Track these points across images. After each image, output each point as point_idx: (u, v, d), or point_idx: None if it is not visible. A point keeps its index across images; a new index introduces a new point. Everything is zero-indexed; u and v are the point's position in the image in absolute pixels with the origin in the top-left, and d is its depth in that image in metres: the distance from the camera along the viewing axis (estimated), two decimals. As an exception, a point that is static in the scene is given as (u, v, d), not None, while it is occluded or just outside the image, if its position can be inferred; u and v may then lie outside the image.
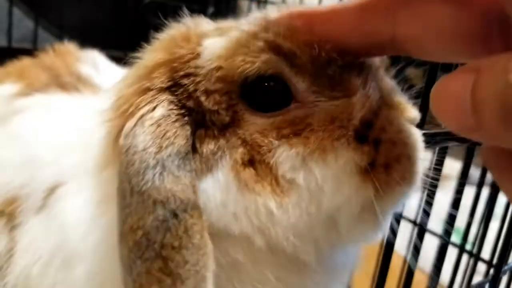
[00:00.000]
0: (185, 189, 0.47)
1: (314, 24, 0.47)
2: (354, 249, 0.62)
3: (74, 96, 0.84)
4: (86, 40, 1.47)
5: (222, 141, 0.50)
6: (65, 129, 0.72)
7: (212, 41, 0.52)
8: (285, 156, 0.48)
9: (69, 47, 1.03)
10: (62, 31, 1.54)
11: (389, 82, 0.52)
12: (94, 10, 1.64)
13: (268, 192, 0.48)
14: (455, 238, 0.98)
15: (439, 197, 0.68)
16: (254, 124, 0.49)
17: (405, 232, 0.90)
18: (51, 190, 0.63)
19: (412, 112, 0.50)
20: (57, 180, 0.64)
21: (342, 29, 0.45)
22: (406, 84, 0.64)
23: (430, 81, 0.62)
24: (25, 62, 0.97)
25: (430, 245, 0.90)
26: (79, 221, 0.58)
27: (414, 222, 0.89)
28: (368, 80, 0.49)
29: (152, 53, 0.54)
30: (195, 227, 0.46)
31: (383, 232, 0.54)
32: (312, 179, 0.48)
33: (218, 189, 0.49)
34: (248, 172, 0.49)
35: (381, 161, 0.47)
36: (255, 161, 0.49)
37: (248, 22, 0.52)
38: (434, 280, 0.81)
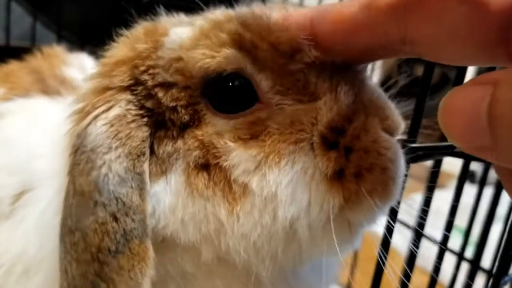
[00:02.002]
0: (130, 192, 0.46)
1: (320, 24, 0.44)
2: (326, 265, 0.58)
3: (55, 100, 0.83)
4: (86, 37, 1.47)
5: (179, 143, 0.48)
6: (40, 134, 0.71)
7: (178, 30, 0.50)
8: (239, 159, 0.46)
9: (57, 50, 1.02)
10: (62, 29, 1.54)
11: (371, 86, 0.48)
12: (94, 7, 1.63)
13: (218, 198, 0.46)
14: (457, 237, 0.94)
15: (441, 194, 0.65)
16: (214, 125, 0.47)
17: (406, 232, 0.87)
18: (18, 197, 0.62)
19: (394, 121, 0.47)
20: (25, 186, 0.63)
21: (350, 28, 0.42)
22: (412, 80, 0.60)
23: (426, 79, 0.58)
24: (12, 65, 0.97)
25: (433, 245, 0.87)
26: (38, 228, 0.56)
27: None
28: (340, 84, 0.46)
29: (115, 50, 0.53)
30: (135, 231, 0.45)
31: (354, 246, 0.50)
32: (266, 184, 0.45)
33: (168, 193, 0.48)
34: (201, 177, 0.46)
35: (351, 170, 0.44)
36: (210, 165, 0.47)
37: (217, 12, 0.50)
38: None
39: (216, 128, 0.47)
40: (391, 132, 0.46)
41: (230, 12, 0.50)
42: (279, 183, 0.45)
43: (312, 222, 0.45)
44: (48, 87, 0.87)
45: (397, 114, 0.48)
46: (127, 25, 0.55)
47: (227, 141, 0.46)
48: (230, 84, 0.47)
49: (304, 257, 0.49)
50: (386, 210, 0.48)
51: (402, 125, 0.49)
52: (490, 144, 0.30)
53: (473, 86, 0.30)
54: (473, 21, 0.35)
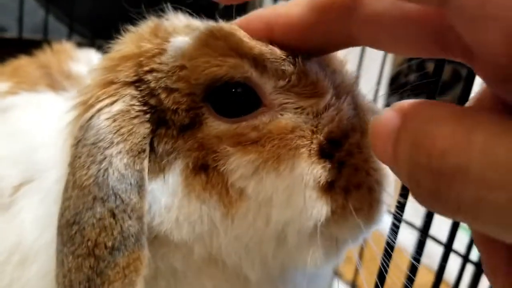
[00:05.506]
0: (128, 189, 0.46)
1: (275, 26, 0.45)
2: (318, 274, 0.58)
3: (60, 95, 0.84)
4: (97, 31, 1.48)
5: (179, 143, 0.48)
6: (44, 126, 0.72)
7: (179, 39, 0.50)
8: (236, 164, 0.46)
9: (66, 46, 1.04)
10: (73, 22, 1.55)
11: (367, 102, 0.49)
12: (105, 1, 1.62)
13: (214, 201, 0.46)
14: (464, 235, 0.93)
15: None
16: (216, 129, 0.47)
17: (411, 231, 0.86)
18: (17, 188, 0.63)
19: None
20: (25, 177, 0.64)
21: (300, 30, 0.44)
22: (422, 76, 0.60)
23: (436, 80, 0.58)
24: (22, 60, 0.98)
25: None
26: (36, 218, 0.58)
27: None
28: (341, 94, 0.47)
29: (121, 45, 0.53)
30: (132, 229, 0.45)
31: (337, 262, 0.51)
32: (262, 189, 0.45)
33: (165, 192, 0.48)
34: (198, 179, 0.47)
35: (342, 183, 0.45)
36: (208, 167, 0.47)
37: (209, 22, 0.51)
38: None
39: (217, 132, 0.47)
40: None
41: (219, 22, 0.50)
42: (276, 188, 0.45)
43: (301, 229, 0.46)
44: (55, 82, 0.88)
45: None
46: (139, 18, 0.56)
47: (226, 146, 0.46)
48: (233, 90, 0.47)
49: (290, 265, 0.50)
50: (370, 232, 0.48)
51: None
52: (397, 174, 0.32)
53: (391, 113, 0.31)
54: (405, 25, 0.38)
